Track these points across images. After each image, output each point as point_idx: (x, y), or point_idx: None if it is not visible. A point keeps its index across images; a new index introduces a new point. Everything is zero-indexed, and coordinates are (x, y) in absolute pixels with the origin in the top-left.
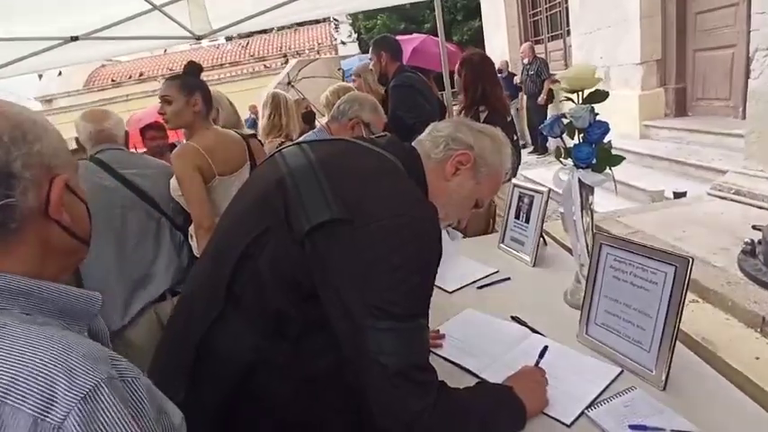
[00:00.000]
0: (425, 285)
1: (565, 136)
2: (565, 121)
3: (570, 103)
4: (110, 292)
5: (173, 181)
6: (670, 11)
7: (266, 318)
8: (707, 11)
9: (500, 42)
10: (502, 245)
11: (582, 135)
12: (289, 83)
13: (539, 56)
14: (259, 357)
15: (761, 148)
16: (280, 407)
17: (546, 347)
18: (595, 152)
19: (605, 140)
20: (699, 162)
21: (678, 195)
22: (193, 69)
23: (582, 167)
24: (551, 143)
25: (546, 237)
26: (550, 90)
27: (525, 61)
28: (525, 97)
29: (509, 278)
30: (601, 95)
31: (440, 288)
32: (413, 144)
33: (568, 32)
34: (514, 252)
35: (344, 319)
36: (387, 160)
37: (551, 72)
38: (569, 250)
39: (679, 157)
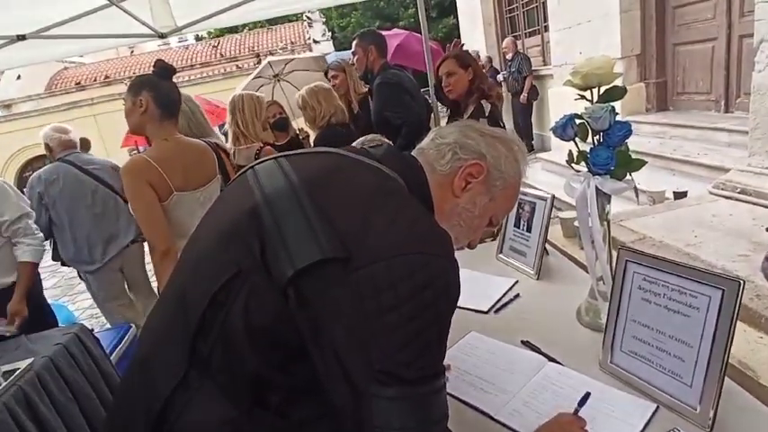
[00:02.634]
0: (443, 338)
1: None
2: (578, 121)
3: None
4: (92, 244)
5: None
6: (649, 5)
7: (241, 384)
8: (686, 4)
9: (477, 39)
10: (501, 255)
11: (598, 138)
12: (275, 76)
13: (520, 52)
14: None
15: (766, 145)
16: None
17: (588, 394)
18: (614, 157)
19: None
20: (683, 157)
21: (678, 195)
22: (161, 69)
23: (599, 174)
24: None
25: (547, 245)
26: (533, 87)
27: (508, 57)
28: (510, 95)
29: (518, 295)
30: (619, 92)
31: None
32: (413, 153)
33: (546, 28)
34: (515, 263)
35: (342, 386)
36: (388, 178)
37: (533, 69)
38: (573, 259)
39: (663, 153)
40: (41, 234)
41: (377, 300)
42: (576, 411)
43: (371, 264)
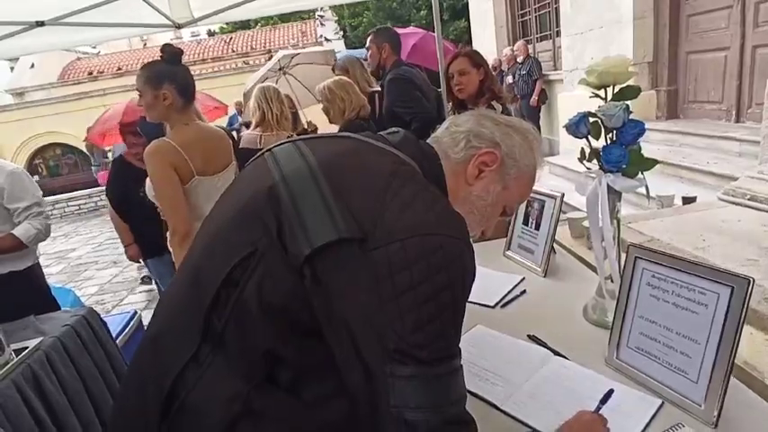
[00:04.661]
0: (458, 319)
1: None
2: (591, 119)
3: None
4: None
5: (148, 181)
6: (663, 12)
7: (253, 360)
8: (700, 13)
9: (488, 42)
10: (508, 252)
11: (611, 136)
12: (280, 69)
13: (531, 55)
14: (244, 409)
15: None
16: None
17: (611, 391)
18: (627, 155)
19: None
20: (693, 165)
21: (687, 201)
22: (170, 55)
23: (611, 171)
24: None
25: (555, 244)
26: (543, 91)
27: (519, 59)
28: (519, 98)
29: (525, 291)
30: (633, 91)
31: None
32: (428, 141)
33: (558, 33)
34: (522, 261)
35: (356, 366)
36: (404, 163)
37: (543, 73)
38: (580, 259)
39: (672, 160)
40: (49, 223)
41: (392, 280)
42: (598, 409)
43: (387, 244)
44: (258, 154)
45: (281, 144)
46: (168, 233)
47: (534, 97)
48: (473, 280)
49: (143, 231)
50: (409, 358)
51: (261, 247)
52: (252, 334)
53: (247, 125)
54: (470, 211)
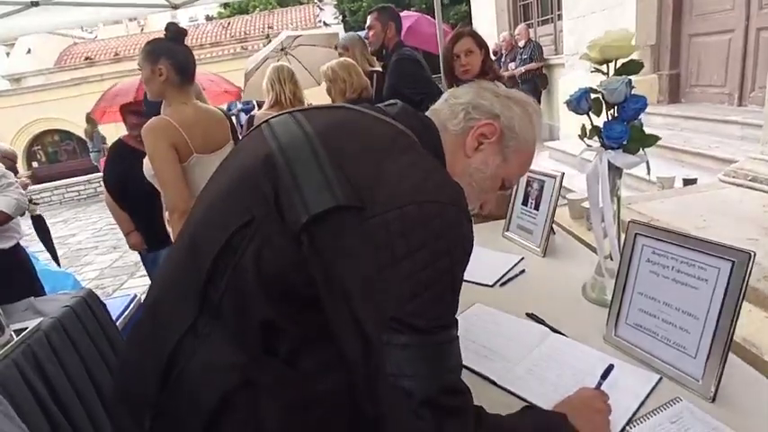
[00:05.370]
0: (456, 288)
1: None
2: (592, 95)
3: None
4: None
5: (146, 160)
6: None
7: (251, 330)
8: None
9: (489, 26)
10: (507, 232)
11: (612, 111)
12: (282, 49)
13: (532, 39)
14: (242, 380)
15: None
16: None
17: (611, 366)
18: (628, 131)
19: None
20: (694, 149)
21: (688, 182)
22: (173, 33)
23: (612, 148)
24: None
25: (554, 225)
26: (544, 75)
27: (520, 44)
28: (520, 83)
29: (524, 270)
30: (636, 66)
31: None
32: (427, 114)
33: (559, 17)
34: (522, 241)
35: (354, 334)
36: (401, 133)
37: (545, 57)
38: (579, 239)
39: (674, 144)
40: (21, 191)
41: (390, 248)
42: (599, 385)
43: (385, 212)
44: (254, 126)
45: (278, 115)
46: (167, 212)
47: (521, 69)
48: (471, 249)
49: (145, 220)
50: (406, 327)
51: (258, 215)
52: (249, 304)
53: (246, 110)
54: (469, 183)
